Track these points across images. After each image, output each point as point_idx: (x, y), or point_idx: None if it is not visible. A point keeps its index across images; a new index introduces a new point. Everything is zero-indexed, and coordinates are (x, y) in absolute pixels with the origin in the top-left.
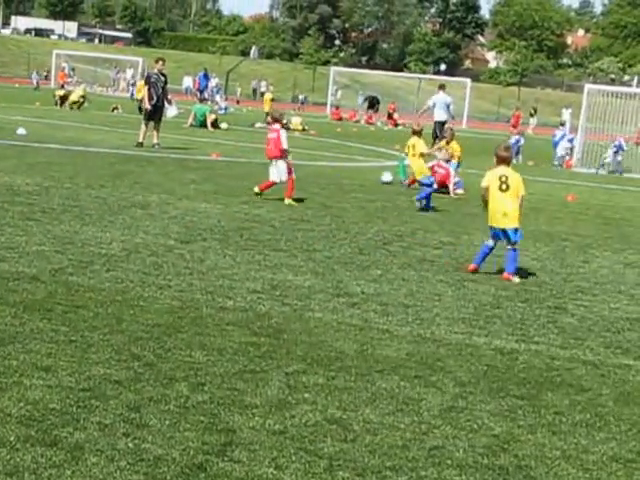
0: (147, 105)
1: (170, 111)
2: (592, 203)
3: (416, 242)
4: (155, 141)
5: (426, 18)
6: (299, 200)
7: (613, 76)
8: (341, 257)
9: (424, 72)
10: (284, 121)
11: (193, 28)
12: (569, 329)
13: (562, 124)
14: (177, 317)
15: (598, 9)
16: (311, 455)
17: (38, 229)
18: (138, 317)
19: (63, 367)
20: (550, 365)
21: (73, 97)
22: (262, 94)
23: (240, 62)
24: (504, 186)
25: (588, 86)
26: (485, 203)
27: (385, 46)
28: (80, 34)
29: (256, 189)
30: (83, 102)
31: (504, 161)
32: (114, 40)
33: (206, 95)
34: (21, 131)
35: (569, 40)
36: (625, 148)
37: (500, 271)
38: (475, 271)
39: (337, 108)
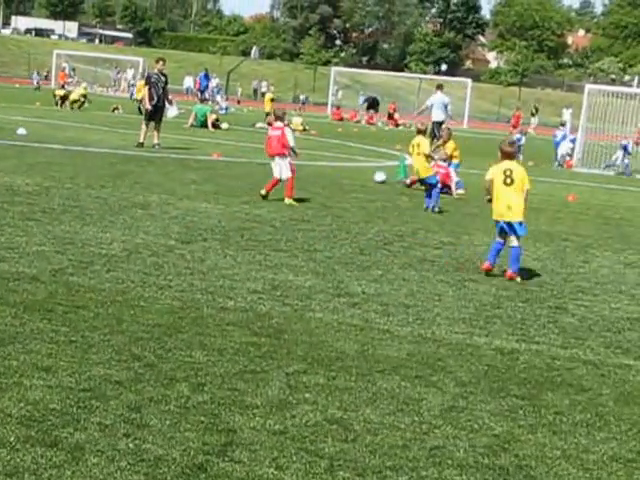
0: (147, 105)
1: (171, 111)
2: (592, 203)
3: (417, 242)
4: (156, 141)
5: (427, 18)
6: (300, 200)
7: (613, 76)
8: (342, 257)
9: (425, 72)
10: (285, 121)
11: (194, 28)
12: (569, 329)
13: (562, 124)
14: (178, 317)
15: (599, 9)
16: (312, 455)
17: (38, 229)
18: (139, 317)
19: (63, 367)
20: (550, 365)
21: (74, 96)
22: (263, 94)
23: (241, 62)
24: (508, 180)
25: (589, 86)
26: (489, 196)
27: (386, 46)
28: (80, 34)
29: (262, 192)
30: (84, 102)
31: (509, 156)
32: (114, 40)
33: (207, 95)
34: (21, 131)
35: (570, 40)
36: (630, 151)
37: (502, 270)
38: (489, 270)
39: (338, 108)
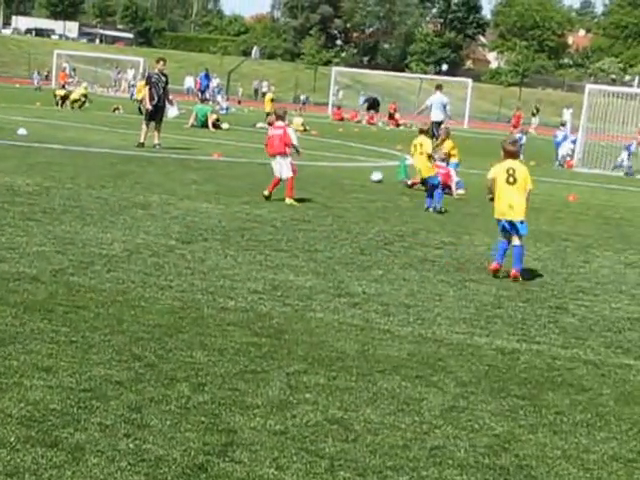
0: (148, 105)
1: (171, 111)
2: (593, 203)
3: (417, 242)
4: (156, 141)
5: (427, 18)
6: (300, 200)
7: (614, 76)
8: (342, 257)
9: (425, 72)
10: (286, 121)
11: (194, 28)
12: (570, 329)
13: (562, 124)
14: (178, 317)
15: (599, 9)
16: (312, 455)
17: (39, 229)
18: (139, 318)
19: (64, 368)
20: (551, 365)
21: (74, 95)
22: (264, 94)
23: (241, 62)
24: (511, 179)
25: (589, 86)
26: (491, 194)
27: (386, 46)
28: (81, 34)
29: (265, 192)
30: (84, 102)
31: (511, 155)
32: (115, 40)
33: (207, 95)
34: (22, 131)
35: (570, 40)
36: (633, 150)
37: (504, 271)
38: (497, 270)
39: (339, 108)
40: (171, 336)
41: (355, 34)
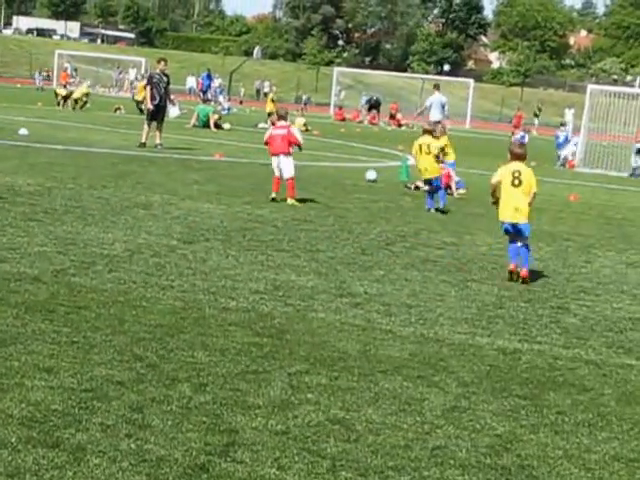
0: (149, 105)
1: (172, 112)
2: (594, 203)
3: (419, 242)
4: (158, 141)
5: (429, 18)
6: (302, 200)
7: (615, 77)
8: (344, 257)
9: (427, 72)
10: (288, 121)
11: (196, 28)
12: (572, 329)
13: (562, 124)
14: (180, 318)
15: (600, 10)
16: (314, 455)
17: (40, 230)
18: (140, 318)
19: (65, 368)
20: (553, 365)
21: (76, 94)
22: (265, 94)
23: (243, 62)
24: (517, 181)
25: (591, 86)
26: (495, 199)
27: (388, 46)
28: (82, 34)
29: (273, 195)
30: (86, 102)
31: (518, 157)
32: (116, 40)
33: (209, 95)
34: (23, 131)
35: (572, 41)
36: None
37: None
38: (515, 269)
39: (340, 108)
40: (172, 336)
41: (357, 34)
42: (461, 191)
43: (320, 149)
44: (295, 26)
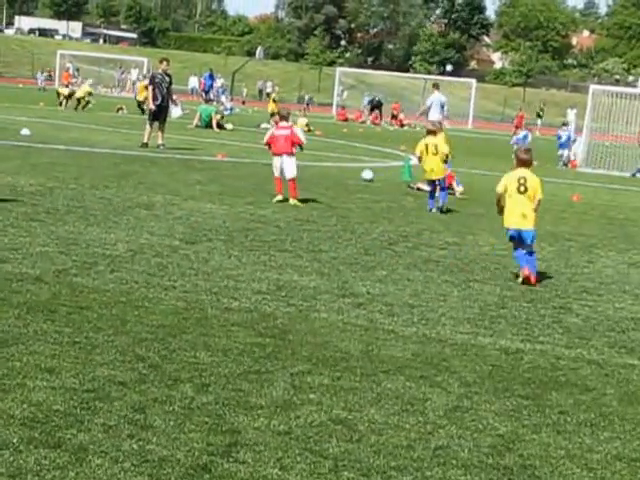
0: (151, 105)
1: (175, 112)
2: (597, 203)
3: (422, 242)
4: (160, 142)
5: (431, 19)
6: (304, 201)
7: (618, 77)
8: (346, 258)
9: (429, 72)
10: (290, 122)
11: (198, 28)
12: (574, 329)
13: (564, 124)
14: (182, 318)
15: (603, 10)
16: (316, 455)
17: (42, 230)
18: (143, 318)
19: (67, 368)
20: (555, 365)
21: (79, 94)
22: (268, 95)
23: (246, 62)
24: (522, 188)
25: (593, 87)
26: (500, 208)
27: (391, 47)
28: (84, 34)
29: (279, 197)
30: (89, 102)
31: (524, 163)
32: (119, 40)
33: (211, 96)
34: (25, 132)
35: (574, 41)
36: None
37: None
38: (530, 275)
39: (343, 109)
40: (175, 337)
41: (359, 34)
42: (459, 189)
43: (322, 149)
44: (297, 26)
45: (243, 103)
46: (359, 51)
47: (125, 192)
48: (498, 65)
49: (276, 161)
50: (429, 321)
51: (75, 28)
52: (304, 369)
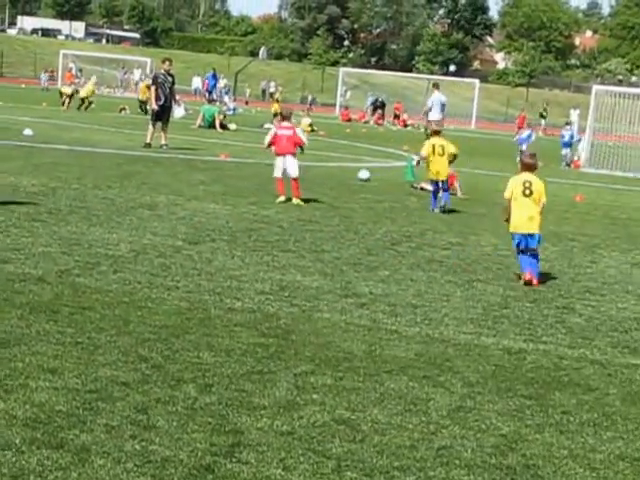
0: (154, 105)
1: (177, 112)
2: (600, 203)
3: (425, 243)
4: (163, 142)
5: (435, 19)
6: (307, 201)
7: (621, 77)
8: (349, 258)
9: (432, 73)
10: (292, 122)
11: (201, 29)
12: (577, 329)
13: (568, 123)
14: (185, 318)
15: (606, 10)
16: (319, 456)
17: (44, 230)
18: (145, 318)
19: (69, 369)
20: (558, 365)
21: (83, 93)
22: (271, 95)
23: (249, 63)
24: (527, 191)
25: (596, 87)
26: (507, 215)
27: (394, 47)
28: (87, 34)
29: (282, 198)
30: (91, 102)
31: (529, 168)
32: (121, 40)
33: (215, 96)
34: (27, 132)
35: (577, 41)
36: None
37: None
38: (532, 279)
39: (346, 109)
40: (178, 337)
41: (362, 35)
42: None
43: (326, 149)
44: (301, 26)
45: (246, 103)
46: (362, 51)
47: (128, 192)
48: (501, 65)
49: (279, 161)
50: (432, 321)
51: (78, 28)
52: (307, 369)
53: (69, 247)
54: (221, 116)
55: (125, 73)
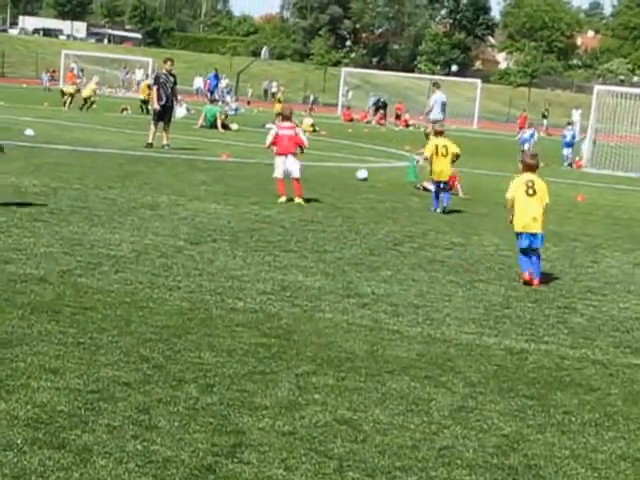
0: (156, 105)
1: (179, 112)
2: (601, 203)
3: (427, 243)
4: (165, 142)
5: (436, 19)
6: (309, 201)
7: (622, 77)
8: (351, 258)
9: (434, 73)
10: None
11: (203, 29)
12: (578, 329)
13: (569, 123)
14: (186, 318)
15: (607, 10)
16: (321, 456)
17: (46, 230)
18: (147, 319)
19: (71, 369)
20: (559, 365)
21: (85, 93)
22: (273, 95)
23: (251, 63)
24: (531, 191)
25: (598, 87)
26: (512, 215)
27: (396, 47)
28: (89, 34)
29: (283, 199)
30: (93, 102)
31: (530, 168)
32: (123, 40)
33: (216, 96)
34: (29, 132)
35: (579, 41)
36: None
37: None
38: (531, 279)
39: (348, 109)
40: (179, 337)
41: (364, 35)
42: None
43: (328, 149)
44: (303, 26)
45: (248, 103)
46: (364, 51)
47: (130, 192)
48: (503, 65)
49: (280, 161)
50: (434, 321)
51: (79, 28)
52: (309, 369)
53: (71, 247)
54: (223, 116)
55: (127, 73)
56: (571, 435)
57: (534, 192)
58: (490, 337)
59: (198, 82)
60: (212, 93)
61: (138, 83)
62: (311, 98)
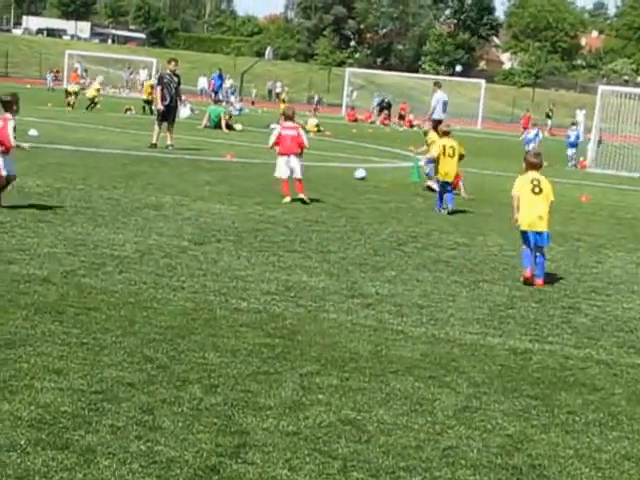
0: (160, 105)
1: (183, 112)
2: (605, 204)
3: (431, 243)
4: (169, 142)
5: (441, 19)
6: (313, 201)
7: (626, 77)
8: (355, 258)
9: (438, 73)
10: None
11: (207, 29)
12: (582, 329)
13: (574, 123)
14: (190, 319)
15: (612, 11)
16: (325, 456)
17: (49, 231)
18: (151, 319)
19: (75, 370)
20: (564, 365)
21: (89, 93)
22: (277, 95)
23: (255, 63)
24: (537, 189)
25: (602, 87)
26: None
27: (400, 47)
28: (93, 34)
29: (287, 199)
30: (97, 103)
31: (534, 167)
32: (127, 40)
33: (221, 96)
34: (33, 132)
35: (583, 41)
36: None
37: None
38: (532, 277)
39: (352, 109)
40: (183, 337)
41: (369, 35)
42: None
43: (332, 150)
44: (307, 27)
45: (252, 103)
46: (368, 52)
47: (133, 193)
48: (507, 66)
49: (282, 161)
50: (438, 321)
51: (83, 28)
52: (313, 370)
53: (74, 248)
54: (227, 116)
55: (131, 73)
56: (575, 435)
57: (540, 190)
58: (494, 337)
59: (202, 82)
60: (216, 93)
61: (142, 84)
62: (315, 98)
